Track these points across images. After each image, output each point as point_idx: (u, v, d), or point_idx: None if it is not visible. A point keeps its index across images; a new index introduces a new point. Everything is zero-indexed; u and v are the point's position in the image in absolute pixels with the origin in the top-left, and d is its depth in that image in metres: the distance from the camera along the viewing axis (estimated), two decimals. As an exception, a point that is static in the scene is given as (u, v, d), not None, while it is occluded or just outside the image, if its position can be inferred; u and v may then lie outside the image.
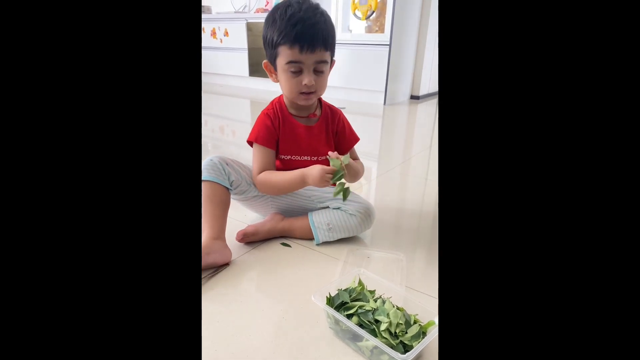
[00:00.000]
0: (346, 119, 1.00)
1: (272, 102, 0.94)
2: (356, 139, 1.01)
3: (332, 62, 0.88)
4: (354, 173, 0.88)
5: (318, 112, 0.96)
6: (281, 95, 0.94)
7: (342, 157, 0.80)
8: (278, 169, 0.93)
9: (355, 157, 1.00)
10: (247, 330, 0.63)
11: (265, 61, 0.89)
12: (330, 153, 0.82)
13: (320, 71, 0.85)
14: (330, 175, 0.79)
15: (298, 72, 0.84)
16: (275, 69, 0.87)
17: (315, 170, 0.81)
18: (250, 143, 0.93)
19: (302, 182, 0.84)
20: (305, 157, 0.94)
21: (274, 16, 0.83)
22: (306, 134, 0.93)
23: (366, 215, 0.91)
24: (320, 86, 0.87)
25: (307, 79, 0.84)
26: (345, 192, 0.79)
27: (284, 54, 0.82)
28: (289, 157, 0.93)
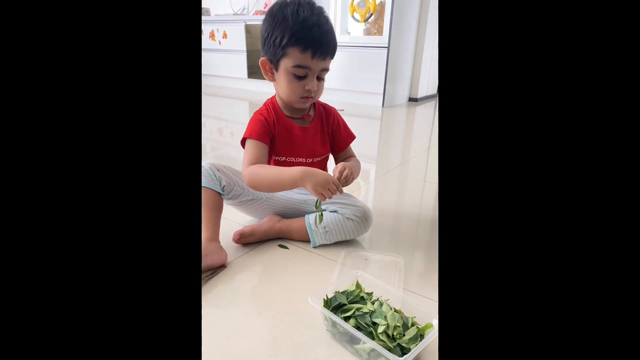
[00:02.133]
0: (341, 117, 1.00)
1: (265, 104, 0.93)
2: (352, 137, 1.00)
3: None
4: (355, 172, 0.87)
5: (312, 113, 0.95)
6: (274, 97, 0.92)
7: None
8: None
9: (351, 155, 1.00)
10: (244, 333, 0.63)
11: (263, 58, 0.85)
12: (338, 167, 0.81)
13: (322, 78, 0.85)
14: (335, 187, 0.76)
15: (303, 77, 0.82)
16: (277, 69, 0.84)
17: (320, 174, 0.75)
18: (243, 144, 0.90)
19: (299, 181, 0.76)
20: (301, 159, 0.93)
21: (283, 13, 0.78)
22: (301, 135, 0.92)
23: (363, 219, 0.91)
24: (319, 91, 0.87)
25: (310, 85, 0.83)
26: (320, 217, 0.85)
27: (293, 57, 0.79)
28: (283, 158, 0.92)
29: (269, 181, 0.81)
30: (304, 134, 0.92)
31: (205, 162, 0.88)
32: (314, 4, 0.80)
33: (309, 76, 0.82)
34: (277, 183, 0.80)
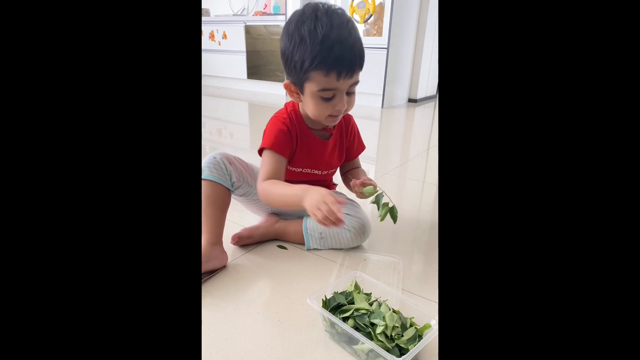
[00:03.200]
0: (357, 127, 0.96)
1: (286, 110, 0.86)
2: (363, 148, 0.98)
3: None
4: None
5: (332, 125, 0.90)
6: (296, 104, 0.85)
7: (369, 187, 0.75)
8: (287, 180, 0.83)
9: (357, 166, 0.99)
10: (242, 334, 0.63)
11: (286, 82, 0.78)
12: (355, 184, 0.77)
13: (352, 92, 0.77)
14: (328, 207, 0.64)
15: (331, 98, 0.75)
16: (302, 92, 0.77)
17: (315, 193, 0.68)
18: (260, 151, 0.84)
19: (300, 203, 0.70)
20: (316, 171, 0.91)
21: (300, 32, 0.70)
22: (321, 149, 0.88)
23: (360, 231, 0.88)
24: (350, 106, 0.79)
25: (340, 104, 0.75)
26: (393, 212, 0.72)
27: (318, 81, 0.72)
28: (300, 169, 0.89)
29: (279, 201, 0.78)
30: (324, 148, 0.89)
31: (218, 153, 0.83)
32: (333, 12, 0.71)
33: (337, 96, 0.75)
34: (285, 203, 0.76)
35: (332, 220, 0.64)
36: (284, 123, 0.83)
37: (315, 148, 0.88)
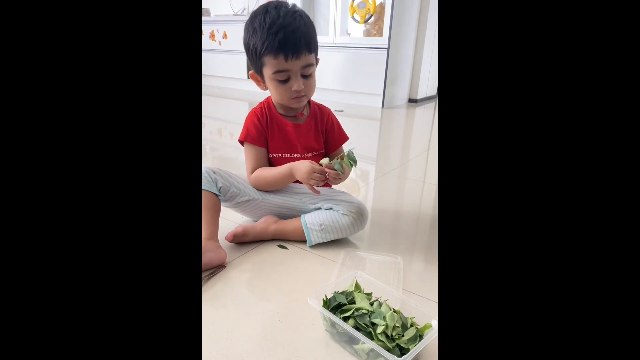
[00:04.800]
0: (335, 118, 1.03)
1: (260, 103, 0.96)
2: (345, 138, 1.03)
3: (317, 60, 0.89)
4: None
5: (306, 112, 0.98)
6: (270, 96, 0.95)
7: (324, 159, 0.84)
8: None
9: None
10: (243, 333, 0.63)
11: (251, 72, 0.90)
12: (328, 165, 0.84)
13: (307, 75, 0.86)
14: (318, 174, 0.82)
15: (286, 80, 0.85)
16: (263, 79, 0.88)
17: (303, 165, 0.84)
18: (241, 143, 0.95)
19: (291, 176, 0.88)
20: (296, 154, 0.96)
21: (253, 25, 0.82)
22: (295, 132, 0.95)
23: (358, 215, 0.91)
24: (310, 89, 0.88)
25: (295, 85, 0.85)
26: (350, 157, 0.81)
27: (270, 64, 0.83)
28: (279, 155, 0.95)
29: (270, 181, 0.91)
30: (298, 131, 0.95)
31: (202, 167, 0.90)
32: (282, 5, 0.82)
33: (291, 77, 0.84)
34: (276, 181, 0.91)
35: (324, 178, 0.82)
36: (255, 114, 0.93)
37: (288, 131, 0.94)
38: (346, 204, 0.92)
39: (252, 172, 0.92)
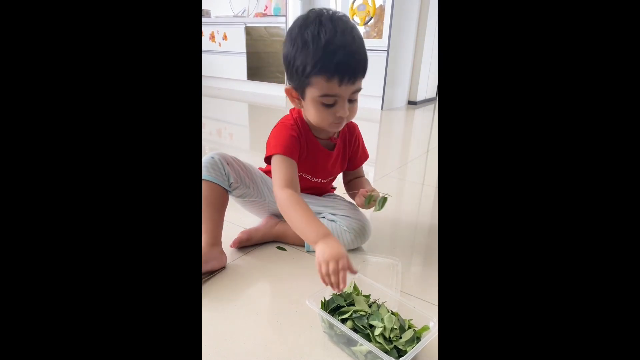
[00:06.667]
0: (361, 137, 0.97)
1: (292, 116, 0.84)
2: (366, 157, 0.98)
3: None
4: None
5: (337, 135, 0.90)
6: (300, 111, 0.84)
7: (371, 194, 0.80)
8: None
9: (361, 175, 0.99)
10: (242, 334, 0.63)
11: (287, 87, 0.78)
12: (362, 192, 0.80)
13: (354, 100, 0.76)
14: (342, 273, 0.59)
15: (332, 104, 0.73)
16: (303, 98, 0.76)
17: (334, 251, 0.61)
18: (267, 160, 0.82)
19: (313, 242, 0.66)
20: (316, 179, 0.92)
21: (303, 38, 0.69)
22: (325, 159, 0.88)
23: (360, 233, 0.89)
24: (353, 113, 0.78)
25: (341, 112, 0.74)
26: (385, 201, 0.79)
27: (319, 86, 0.71)
28: (300, 173, 0.87)
29: (295, 223, 0.73)
30: (327, 158, 0.89)
31: (216, 153, 0.83)
32: (338, 18, 0.70)
33: (338, 102, 0.73)
34: (298, 229, 0.72)
35: (332, 281, 0.59)
36: (290, 129, 0.82)
37: (320, 157, 0.87)
38: (351, 220, 0.89)
39: (285, 185, 0.76)
